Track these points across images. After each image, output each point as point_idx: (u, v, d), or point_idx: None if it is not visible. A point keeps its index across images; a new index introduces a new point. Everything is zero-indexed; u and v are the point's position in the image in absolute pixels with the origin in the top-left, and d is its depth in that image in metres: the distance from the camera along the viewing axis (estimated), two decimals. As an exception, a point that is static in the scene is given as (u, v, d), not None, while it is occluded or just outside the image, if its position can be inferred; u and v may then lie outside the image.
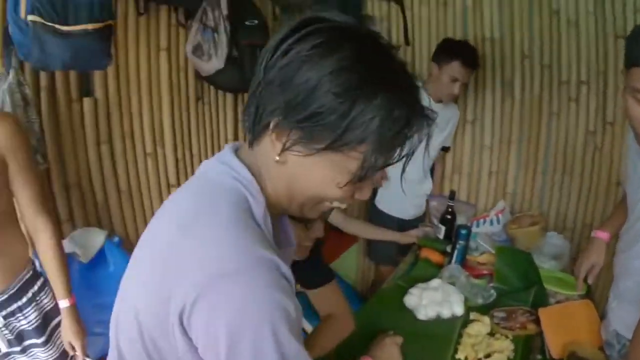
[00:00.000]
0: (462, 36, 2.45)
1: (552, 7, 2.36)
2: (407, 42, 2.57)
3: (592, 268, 1.57)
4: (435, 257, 2.02)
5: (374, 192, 2.39)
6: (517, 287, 1.80)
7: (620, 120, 2.34)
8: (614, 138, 2.38)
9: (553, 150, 2.50)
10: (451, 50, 2.14)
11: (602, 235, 1.57)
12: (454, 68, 2.10)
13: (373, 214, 2.46)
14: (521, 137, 2.54)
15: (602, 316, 1.51)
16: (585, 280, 1.63)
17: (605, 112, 2.37)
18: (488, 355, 1.38)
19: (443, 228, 2.16)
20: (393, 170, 0.80)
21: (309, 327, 1.70)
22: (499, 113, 2.55)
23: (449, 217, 2.17)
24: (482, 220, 2.48)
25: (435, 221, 2.41)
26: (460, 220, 2.27)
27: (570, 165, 2.48)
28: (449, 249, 1.98)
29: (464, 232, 1.91)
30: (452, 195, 2.20)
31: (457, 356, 1.38)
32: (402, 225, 2.39)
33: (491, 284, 1.80)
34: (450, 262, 1.93)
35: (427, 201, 2.57)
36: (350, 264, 2.74)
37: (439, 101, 2.21)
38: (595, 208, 2.49)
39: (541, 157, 2.53)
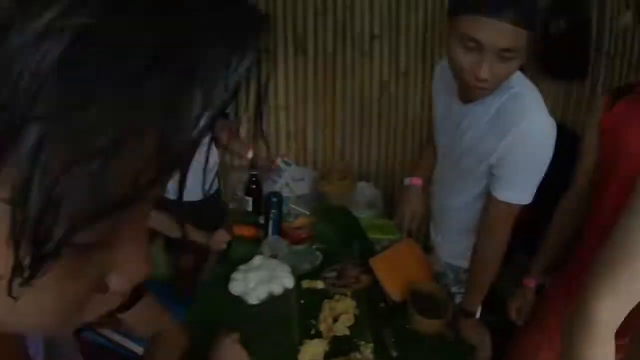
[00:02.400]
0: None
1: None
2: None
3: (414, 216, 1.51)
4: (249, 232, 1.78)
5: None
6: (340, 243, 1.69)
7: (413, 70, 2.46)
8: (407, 87, 2.49)
9: (350, 103, 2.50)
10: None
11: (416, 182, 1.52)
12: None
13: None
14: (316, 93, 2.47)
15: (426, 251, 1.53)
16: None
17: (398, 64, 2.46)
18: (335, 320, 1.26)
19: (250, 200, 1.93)
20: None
21: (139, 350, 1.32)
22: (292, 71, 2.43)
23: (254, 186, 1.94)
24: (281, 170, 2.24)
25: (240, 193, 2.16)
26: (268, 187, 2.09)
27: (368, 116, 2.52)
28: (261, 220, 1.76)
29: (274, 199, 1.70)
30: (252, 163, 1.99)
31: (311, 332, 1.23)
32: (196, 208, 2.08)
33: (314, 246, 1.65)
34: (266, 234, 1.71)
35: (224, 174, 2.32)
36: (157, 261, 2.33)
37: None
38: (396, 152, 2.60)
39: (339, 111, 2.51)
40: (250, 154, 2.12)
